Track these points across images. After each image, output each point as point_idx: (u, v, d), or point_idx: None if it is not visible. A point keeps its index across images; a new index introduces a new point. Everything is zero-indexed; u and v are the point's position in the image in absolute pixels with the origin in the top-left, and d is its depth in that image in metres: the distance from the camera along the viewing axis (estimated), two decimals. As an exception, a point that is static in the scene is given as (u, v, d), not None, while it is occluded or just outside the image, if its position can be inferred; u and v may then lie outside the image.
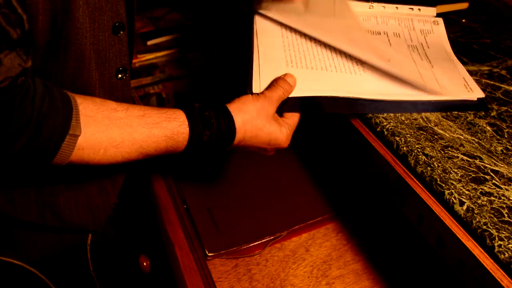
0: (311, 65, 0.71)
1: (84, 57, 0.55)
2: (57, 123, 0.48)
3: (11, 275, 0.70)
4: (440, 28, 0.85)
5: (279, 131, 0.65)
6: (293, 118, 0.68)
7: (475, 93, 0.70)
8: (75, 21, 0.52)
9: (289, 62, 0.72)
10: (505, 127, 0.65)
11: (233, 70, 1.11)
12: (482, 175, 0.56)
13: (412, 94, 0.69)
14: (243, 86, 0.68)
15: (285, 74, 0.67)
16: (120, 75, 0.62)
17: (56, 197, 0.65)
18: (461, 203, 0.53)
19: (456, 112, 0.67)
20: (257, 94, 0.66)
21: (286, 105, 0.67)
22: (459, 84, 0.71)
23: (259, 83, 0.68)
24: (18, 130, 0.45)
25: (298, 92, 0.68)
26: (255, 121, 0.63)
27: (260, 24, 0.78)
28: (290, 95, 0.67)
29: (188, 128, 0.57)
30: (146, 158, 0.57)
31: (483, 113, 0.67)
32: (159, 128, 0.56)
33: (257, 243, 0.80)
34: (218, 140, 0.60)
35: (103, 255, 0.81)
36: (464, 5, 0.96)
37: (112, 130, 0.52)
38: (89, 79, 0.58)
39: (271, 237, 0.80)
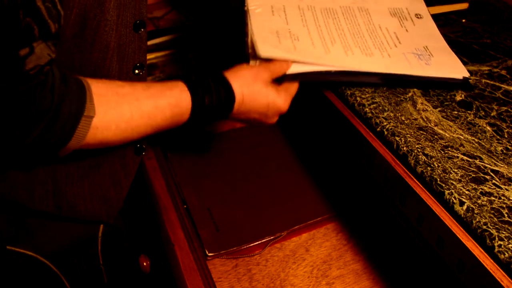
0: (303, 37, 0.73)
1: (108, 48, 0.58)
2: (72, 106, 0.50)
3: (25, 266, 0.72)
4: (427, 14, 0.86)
5: (277, 94, 0.67)
6: (290, 85, 0.70)
7: (461, 72, 0.72)
8: (106, 13, 0.55)
9: (284, 36, 0.72)
10: (505, 127, 0.65)
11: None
12: (482, 175, 0.56)
13: (399, 68, 0.71)
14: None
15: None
16: (137, 71, 0.64)
17: (72, 188, 0.67)
18: (461, 203, 0.53)
19: (456, 112, 0.67)
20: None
21: (283, 80, 0.69)
22: (446, 62, 0.74)
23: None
24: (38, 115, 0.47)
25: (293, 69, 0.69)
26: (252, 85, 0.65)
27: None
28: (287, 73, 0.69)
29: (189, 94, 0.60)
30: (156, 133, 0.60)
31: (483, 113, 0.67)
32: (163, 97, 0.58)
33: (257, 243, 0.80)
34: (218, 105, 0.62)
35: (113, 248, 0.82)
36: (464, 5, 0.96)
37: (122, 105, 0.55)
38: (109, 71, 0.60)
39: (271, 237, 0.80)
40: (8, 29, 0.42)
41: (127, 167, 0.72)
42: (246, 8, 0.76)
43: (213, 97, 0.61)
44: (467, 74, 0.72)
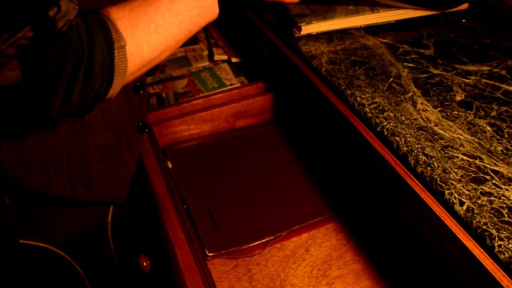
0: None
1: None
2: (102, 44, 0.49)
3: (38, 258, 0.73)
4: None
5: None
6: None
7: None
8: None
9: None
10: (505, 127, 0.65)
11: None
12: (482, 175, 0.56)
13: None
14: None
15: None
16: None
17: (88, 170, 0.68)
18: (461, 203, 0.53)
19: (456, 112, 0.67)
20: None
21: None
22: None
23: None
24: (76, 67, 0.47)
25: None
26: None
27: None
28: None
29: None
30: (195, 27, 0.58)
31: (483, 113, 0.67)
32: None
33: (257, 243, 0.80)
34: None
35: (122, 232, 0.83)
36: (464, 5, 0.96)
37: (142, 19, 0.53)
38: None
39: (271, 237, 0.80)
40: None
41: (131, 146, 0.73)
42: None
43: None
44: None
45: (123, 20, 0.52)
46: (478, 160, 0.59)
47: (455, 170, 0.57)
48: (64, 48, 0.46)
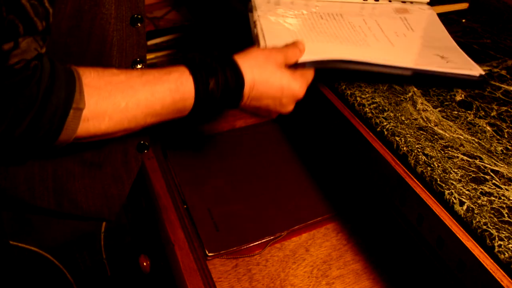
0: (316, 37, 0.70)
1: (106, 42, 0.56)
2: (60, 99, 0.47)
3: (28, 261, 0.72)
4: (432, 13, 0.86)
5: (292, 77, 0.61)
6: (306, 71, 0.64)
7: (477, 69, 0.72)
8: (101, 6, 0.53)
9: (294, 34, 0.70)
10: (505, 127, 0.65)
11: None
12: (482, 175, 0.56)
13: (418, 63, 0.71)
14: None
15: (296, 40, 0.65)
16: (139, 66, 0.62)
17: (73, 185, 0.66)
18: (461, 203, 0.53)
19: (456, 112, 0.67)
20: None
21: (297, 67, 0.65)
22: (462, 59, 0.75)
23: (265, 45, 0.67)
24: (24, 109, 0.46)
25: (306, 56, 0.64)
26: (264, 66, 0.59)
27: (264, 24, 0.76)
28: (299, 60, 0.64)
29: (191, 77, 0.55)
30: (157, 123, 0.56)
31: (483, 113, 0.67)
32: (161, 83, 0.54)
33: (257, 243, 0.80)
34: (226, 90, 0.56)
35: (116, 243, 0.83)
36: (464, 5, 0.96)
37: (115, 95, 0.51)
38: (108, 64, 0.59)
39: (271, 237, 0.80)
40: None
41: (129, 165, 0.72)
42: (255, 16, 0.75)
43: (219, 80, 0.55)
44: (482, 72, 0.72)
45: (93, 89, 0.50)
46: (478, 160, 0.59)
47: (455, 170, 0.57)
48: (14, 86, 0.44)
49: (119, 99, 0.51)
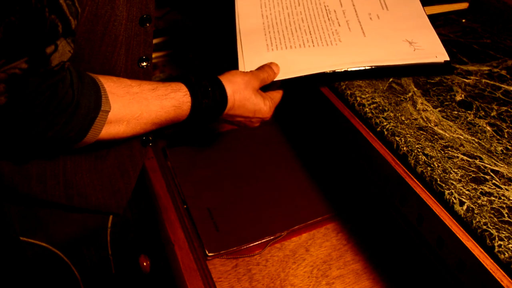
0: (289, 44, 0.78)
1: (117, 42, 0.61)
2: (91, 101, 0.53)
3: (36, 256, 0.74)
4: None
5: (263, 103, 0.73)
6: (276, 94, 0.76)
7: (442, 55, 0.74)
8: (116, 9, 0.57)
9: (270, 46, 0.78)
10: (505, 127, 0.65)
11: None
12: (482, 175, 0.56)
13: (384, 59, 0.74)
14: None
15: (271, 63, 0.75)
16: (143, 64, 0.67)
17: (81, 179, 0.70)
18: (461, 203, 0.53)
19: (456, 112, 0.67)
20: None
21: (270, 88, 0.76)
22: (431, 42, 0.76)
23: (244, 68, 0.77)
24: (61, 109, 0.50)
25: (280, 75, 0.75)
26: (243, 92, 0.70)
27: (241, 6, 0.85)
28: (274, 79, 0.75)
29: (190, 98, 0.65)
30: (158, 128, 0.65)
31: (483, 113, 0.67)
32: (168, 99, 0.62)
33: (257, 243, 0.80)
34: (213, 108, 0.68)
35: (121, 239, 0.84)
36: (464, 5, 0.96)
37: (133, 104, 0.58)
38: (116, 63, 0.63)
39: (271, 237, 0.80)
40: (36, 27, 0.43)
41: (134, 158, 0.74)
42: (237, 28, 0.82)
43: (209, 102, 0.66)
44: (447, 58, 0.73)
45: (115, 96, 0.56)
46: (478, 160, 0.59)
47: (455, 170, 0.57)
48: (52, 86, 0.48)
49: (136, 108, 0.59)
